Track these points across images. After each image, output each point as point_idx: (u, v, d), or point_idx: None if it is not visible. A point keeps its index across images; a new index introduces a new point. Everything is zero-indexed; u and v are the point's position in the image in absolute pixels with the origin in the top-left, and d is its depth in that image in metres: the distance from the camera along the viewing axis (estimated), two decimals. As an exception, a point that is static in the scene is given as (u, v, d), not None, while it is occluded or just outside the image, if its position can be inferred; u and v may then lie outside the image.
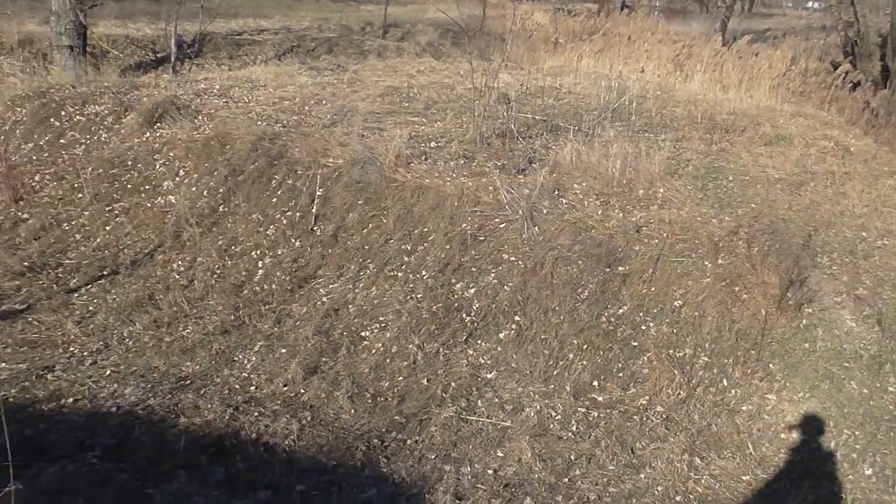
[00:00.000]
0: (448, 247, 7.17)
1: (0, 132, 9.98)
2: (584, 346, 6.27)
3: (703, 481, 5.16)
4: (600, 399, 5.88)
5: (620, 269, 6.84)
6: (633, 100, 10.58)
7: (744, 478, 5.25)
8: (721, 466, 5.30)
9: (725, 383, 6.03)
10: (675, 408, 5.80)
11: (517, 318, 6.53)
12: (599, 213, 7.51)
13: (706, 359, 6.19)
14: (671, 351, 6.24)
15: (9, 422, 4.66)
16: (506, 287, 6.76)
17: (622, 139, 9.09)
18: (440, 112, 10.68)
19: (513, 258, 7.00)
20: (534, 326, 6.44)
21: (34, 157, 9.41)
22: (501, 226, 7.34)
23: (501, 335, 6.44)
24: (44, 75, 13.56)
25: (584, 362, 6.14)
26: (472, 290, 6.82)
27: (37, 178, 9.07)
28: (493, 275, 6.91)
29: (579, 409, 5.72)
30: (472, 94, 9.90)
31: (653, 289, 6.67)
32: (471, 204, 7.57)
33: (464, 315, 6.62)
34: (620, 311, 6.56)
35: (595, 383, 6.02)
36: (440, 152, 8.79)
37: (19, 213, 8.41)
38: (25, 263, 7.31)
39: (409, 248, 7.30)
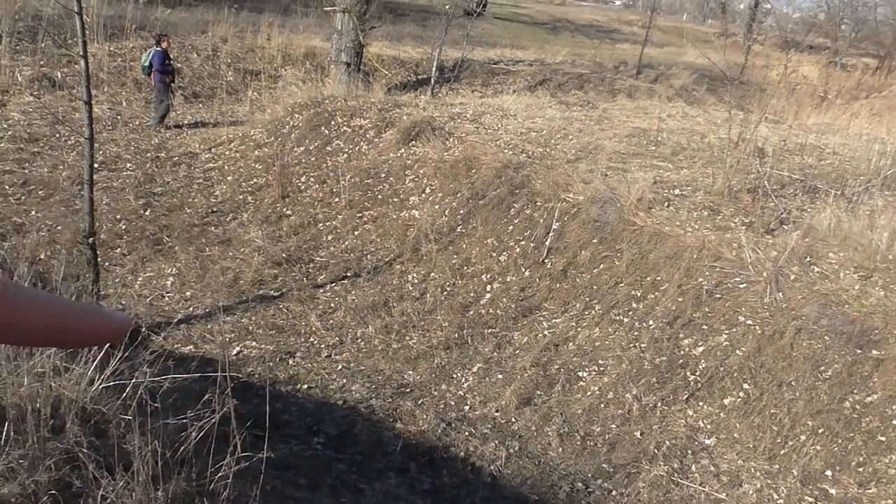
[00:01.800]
0: (680, 299, 6.91)
1: (279, 134, 11.16)
2: (820, 430, 5.74)
3: None
4: (832, 492, 5.34)
5: (874, 352, 6.19)
6: (910, 168, 9.59)
7: None
8: None
9: None
10: (922, 520, 5.13)
11: (746, 385, 6.13)
12: (857, 287, 6.85)
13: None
14: (925, 455, 5.54)
15: (252, 396, 5.18)
16: (738, 351, 6.38)
17: (892, 211, 8.25)
18: (688, 159, 10.36)
19: (749, 322, 6.59)
20: (764, 398, 6.00)
21: (303, 160, 10.41)
22: (741, 286, 6.94)
23: (726, 401, 6.08)
24: (320, 87, 14.94)
25: (818, 447, 5.62)
26: (701, 349, 6.51)
27: (303, 178, 10.01)
28: (725, 336, 6.55)
29: (806, 497, 5.24)
30: (725, 145, 9.50)
31: (911, 381, 5.96)
32: (710, 258, 7.24)
33: (688, 373, 6.34)
34: (869, 398, 5.93)
35: (828, 473, 5.48)
36: (684, 201, 8.51)
37: (284, 209, 9.33)
38: (284, 255, 8.09)
39: (638, 294, 7.14)
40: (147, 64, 12.15)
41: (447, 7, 17.05)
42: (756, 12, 43.70)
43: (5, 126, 10.83)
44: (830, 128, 14.06)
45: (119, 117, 12.56)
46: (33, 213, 8.37)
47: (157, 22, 17.45)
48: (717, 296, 6.91)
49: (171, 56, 13.00)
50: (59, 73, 13.35)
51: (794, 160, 10.55)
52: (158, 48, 12.24)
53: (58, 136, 10.69)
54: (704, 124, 13.34)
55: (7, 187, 8.91)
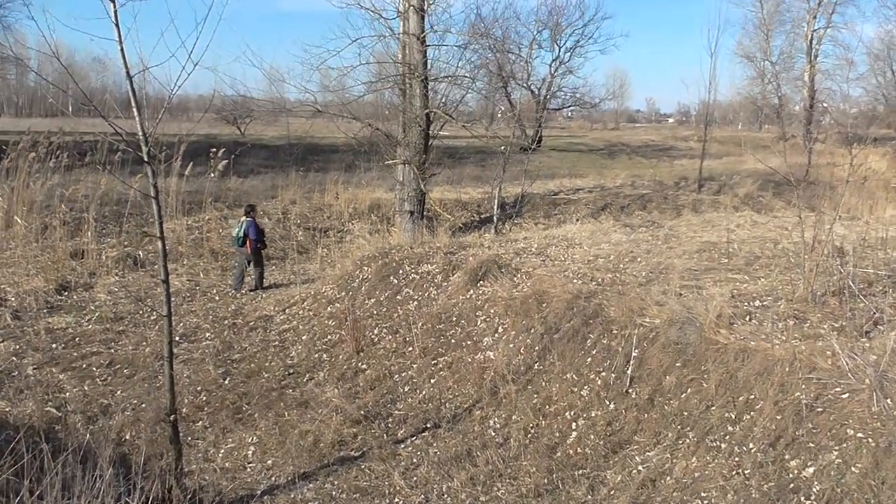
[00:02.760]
0: (779, 417, 6.48)
1: (349, 288, 11.39)
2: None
3: None
4: None
5: None
6: None
7: None
8: None
9: None
10: None
11: (869, 506, 5.59)
12: (971, 386, 6.33)
13: None
14: None
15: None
16: (853, 468, 5.86)
17: None
18: (764, 268, 10.06)
19: (860, 434, 6.10)
20: (892, 519, 5.45)
21: (374, 312, 10.53)
22: (843, 396, 6.48)
23: (850, 526, 5.53)
24: (387, 237, 15.38)
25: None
26: (811, 469, 6.02)
27: (375, 331, 10.09)
28: (835, 453, 6.06)
29: None
30: (801, 248, 9.20)
31: None
32: (804, 370, 6.84)
33: (801, 498, 5.83)
34: None
35: None
36: (766, 312, 8.17)
37: (359, 364, 9.35)
38: (362, 412, 8.03)
39: (733, 416, 6.74)
40: (241, 234, 12.90)
41: (502, 148, 17.57)
42: (812, 113, 43.69)
43: (93, 307, 11.40)
44: (910, 218, 13.56)
45: (197, 287, 13.10)
46: (119, 392, 8.61)
47: (230, 192, 18.50)
48: (819, 409, 6.46)
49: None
50: (141, 252, 14.13)
51: (878, 256, 10.12)
52: (250, 218, 13.11)
53: (141, 312, 11.17)
54: (775, 230, 13.05)
55: (94, 369, 9.25)
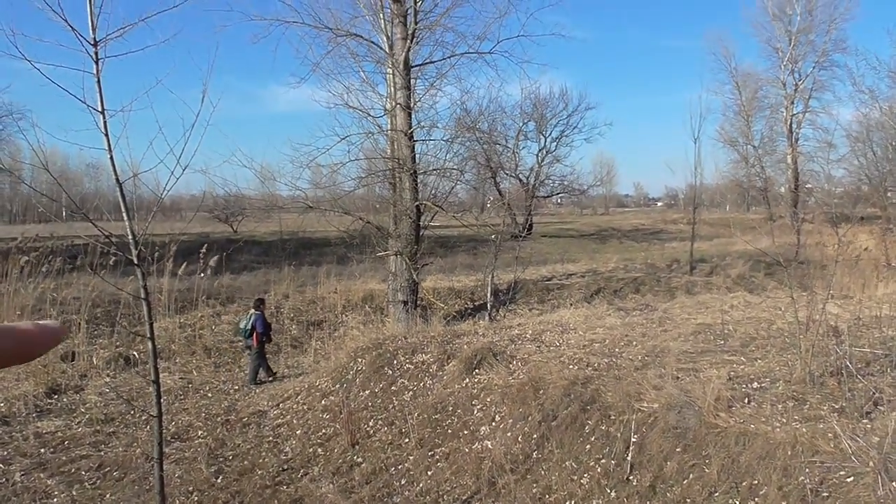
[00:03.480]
0: (784, 503, 6.33)
1: (343, 381, 11.26)
2: None
3: None
4: None
5: None
6: None
7: None
8: None
9: None
10: None
11: None
12: (977, 466, 6.22)
13: None
14: None
15: None
16: (863, 556, 5.70)
17: None
18: (760, 349, 10.02)
19: (868, 520, 5.95)
20: None
21: (370, 404, 10.38)
22: (848, 480, 6.36)
23: None
24: (380, 328, 15.31)
25: None
26: (820, 558, 5.85)
27: (371, 423, 9.92)
28: (844, 540, 5.90)
29: None
30: (796, 329, 9.20)
31: None
32: (807, 453, 6.72)
33: (812, 589, 5.64)
34: None
35: None
36: (765, 394, 8.10)
37: (355, 457, 9.15)
38: (358, 507, 7.80)
39: (737, 502, 6.58)
40: (249, 327, 13.09)
41: (493, 236, 17.73)
42: (797, 194, 44.49)
43: (83, 410, 11.20)
44: (902, 295, 13.62)
45: (190, 385, 12.93)
46: (108, 496, 8.37)
47: (223, 289, 18.50)
48: (825, 494, 6.32)
49: (266, 318, 13.93)
50: (133, 353, 14.00)
51: (873, 335, 10.11)
52: (258, 312, 13.37)
53: (132, 413, 10.98)
54: (769, 310, 13.07)
55: (83, 472, 9.01)
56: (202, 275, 17.27)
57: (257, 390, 12.55)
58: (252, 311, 13.57)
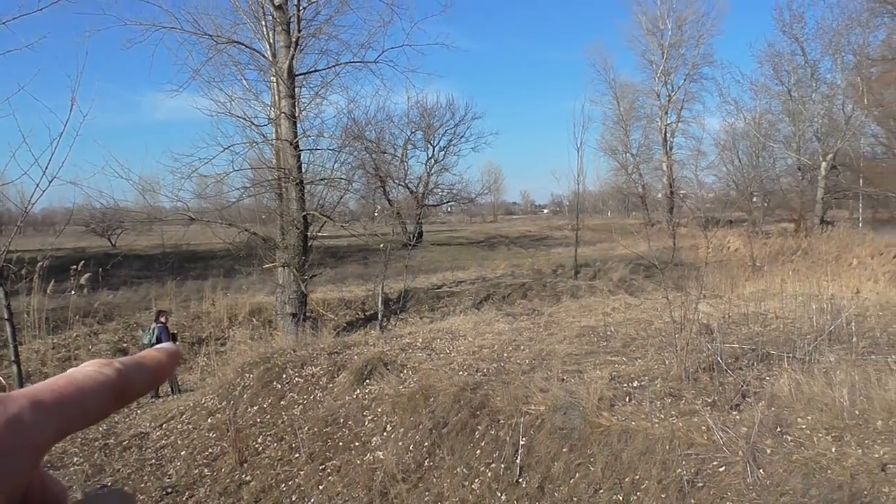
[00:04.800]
0: (664, 496, 6.63)
1: (230, 397, 10.95)
2: None
3: None
4: None
5: (871, 516, 5.93)
6: (851, 320, 9.82)
7: None
8: None
9: None
10: None
11: (754, 578, 5.74)
12: (833, 450, 6.70)
13: None
14: None
15: None
16: (735, 541, 6.04)
17: (845, 365, 8.33)
18: (640, 349, 10.45)
19: (739, 506, 6.31)
20: (775, 589, 5.60)
21: (258, 420, 10.14)
22: (721, 469, 6.73)
23: None
24: (269, 341, 15.00)
25: None
26: (697, 546, 6.15)
27: (259, 439, 9.70)
28: (718, 527, 6.23)
29: None
30: (672, 328, 9.66)
31: (916, 540, 5.68)
32: (683, 447, 7.07)
33: (690, 575, 5.93)
34: (880, 568, 5.59)
35: None
36: (644, 392, 8.46)
37: (243, 476, 8.92)
38: (247, 527, 7.60)
39: (620, 498, 6.84)
40: (153, 341, 12.61)
41: (381, 246, 17.71)
42: (673, 199, 46.81)
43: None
44: (767, 293, 14.53)
45: (65, 409, 12.22)
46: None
47: (102, 307, 17.64)
48: (700, 484, 6.66)
49: (170, 330, 13.49)
50: None
51: (742, 331, 10.75)
52: (160, 324, 12.96)
53: None
54: (648, 311, 13.65)
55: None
56: (72, 292, 16.38)
57: (138, 411, 12.02)
58: (154, 324, 13.17)
